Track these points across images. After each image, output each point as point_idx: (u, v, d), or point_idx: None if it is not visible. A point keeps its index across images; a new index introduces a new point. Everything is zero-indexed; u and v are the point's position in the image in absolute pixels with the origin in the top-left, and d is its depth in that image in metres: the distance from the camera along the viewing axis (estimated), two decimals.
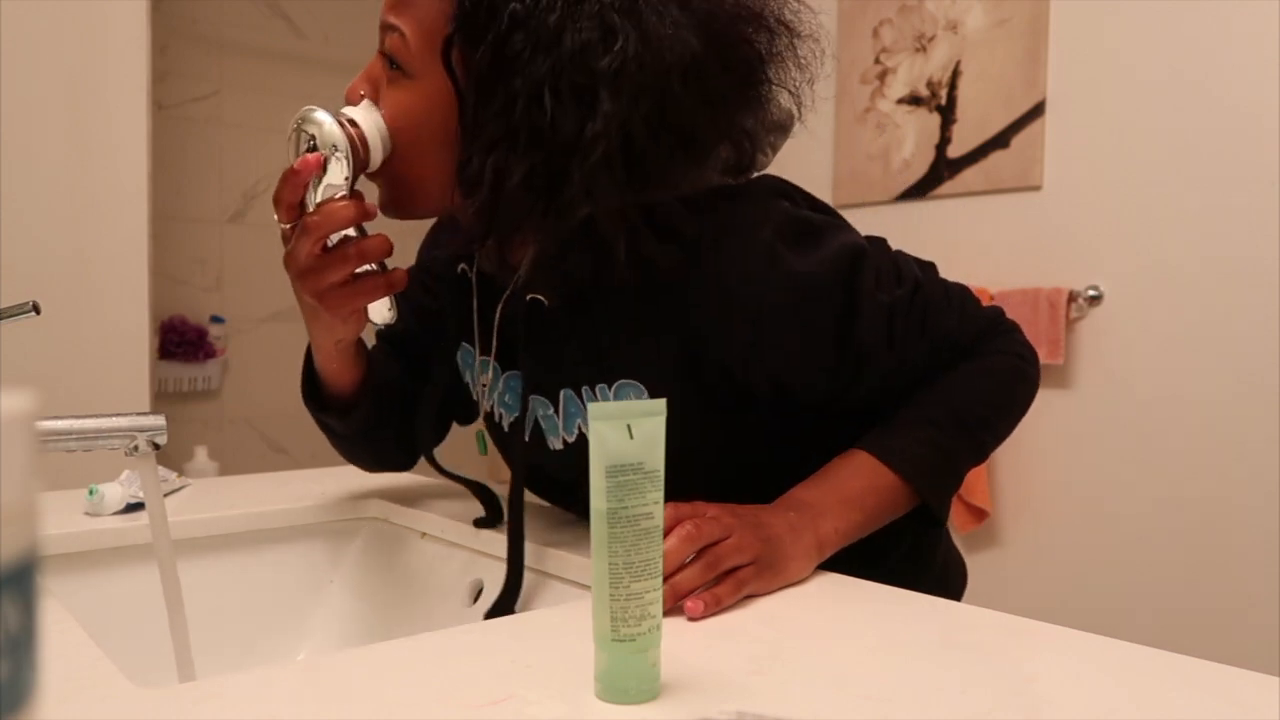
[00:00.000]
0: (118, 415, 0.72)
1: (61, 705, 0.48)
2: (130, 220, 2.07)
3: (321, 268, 0.73)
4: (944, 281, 0.83)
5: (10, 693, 0.20)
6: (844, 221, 0.81)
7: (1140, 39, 1.94)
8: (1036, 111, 2.11)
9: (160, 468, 0.84)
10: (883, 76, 2.40)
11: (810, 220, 0.77)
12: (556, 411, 0.82)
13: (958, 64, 2.25)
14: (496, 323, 0.84)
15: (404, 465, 0.99)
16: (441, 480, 1.15)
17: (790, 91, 0.76)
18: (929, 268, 0.84)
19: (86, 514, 0.92)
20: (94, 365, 2.02)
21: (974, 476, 2.15)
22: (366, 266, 0.75)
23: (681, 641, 0.58)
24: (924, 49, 2.32)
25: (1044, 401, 2.14)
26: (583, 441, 0.82)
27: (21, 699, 0.21)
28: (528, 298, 0.79)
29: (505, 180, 0.69)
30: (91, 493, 0.92)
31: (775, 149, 0.83)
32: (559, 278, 0.76)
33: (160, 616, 0.74)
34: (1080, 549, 2.05)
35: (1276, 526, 1.77)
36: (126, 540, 0.89)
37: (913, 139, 2.34)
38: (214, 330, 2.83)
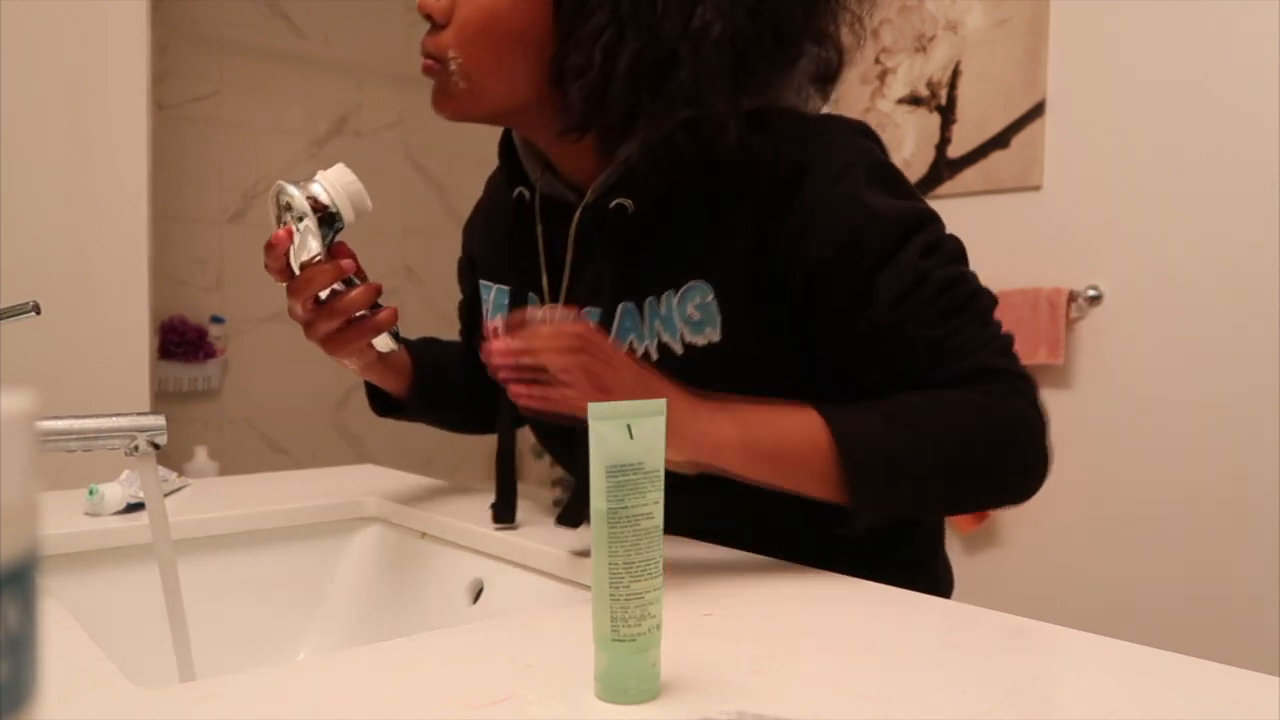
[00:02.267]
0: (118, 415, 0.72)
1: (61, 705, 0.48)
2: (130, 220, 2.07)
3: (315, 321, 0.79)
4: (989, 306, 0.78)
5: (10, 693, 0.20)
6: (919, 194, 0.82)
7: (1140, 39, 1.94)
8: (1036, 111, 2.11)
9: (160, 468, 0.84)
10: (883, 76, 2.40)
11: (896, 172, 0.79)
12: (609, 328, 0.81)
13: (958, 64, 2.25)
14: (572, 237, 0.83)
15: (485, 430, 1.07)
16: (441, 480, 1.15)
17: (853, 10, 0.78)
18: (984, 294, 0.78)
19: (86, 514, 0.92)
20: (94, 365, 2.02)
21: None
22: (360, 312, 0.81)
23: (681, 641, 0.58)
24: (924, 49, 2.32)
25: (1044, 401, 2.14)
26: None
27: (21, 699, 0.21)
28: (611, 204, 0.78)
29: (614, 66, 0.70)
30: (91, 493, 0.92)
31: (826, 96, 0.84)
32: (655, 177, 0.76)
33: (160, 616, 0.74)
34: (1080, 549, 2.05)
35: (1277, 526, 1.77)
36: (126, 540, 0.89)
37: (913, 139, 2.34)
38: (214, 330, 2.83)
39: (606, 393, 0.65)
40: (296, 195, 0.78)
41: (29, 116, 1.94)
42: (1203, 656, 0.56)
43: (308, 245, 0.78)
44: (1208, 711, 0.49)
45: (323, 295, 0.79)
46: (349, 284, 0.80)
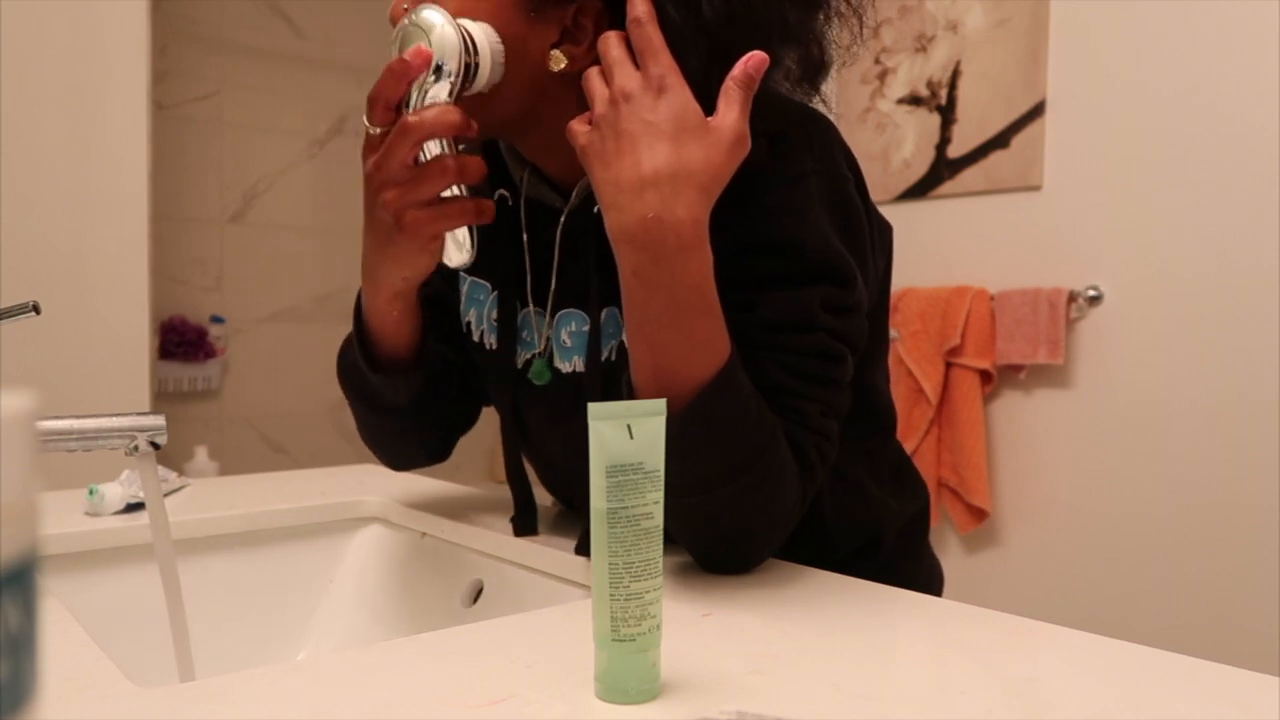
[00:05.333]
0: (118, 415, 0.72)
1: (61, 705, 0.48)
2: (130, 220, 2.07)
3: (412, 181, 0.69)
4: (841, 401, 0.75)
5: (10, 693, 0.20)
6: (869, 254, 0.78)
7: (1140, 39, 1.94)
8: (1036, 111, 2.11)
9: (160, 468, 0.84)
10: (883, 76, 2.40)
11: (855, 206, 0.76)
12: (592, 329, 0.79)
13: (958, 64, 2.25)
14: (558, 242, 0.81)
15: (439, 453, 0.94)
16: (441, 480, 1.15)
17: (853, 6, 0.74)
18: (846, 386, 0.76)
19: (86, 514, 0.92)
20: (94, 365, 2.02)
21: (974, 476, 2.15)
22: (454, 190, 0.71)
23: (681, 641, 0.58)
24: (924, 49, 2.32)
25: (1044, 401, 2.15)
26: (608, 363, 0.78)
27: (21, 699, 0.21)
28: (595, 208, 0.75)
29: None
30: (91, 493, 0.92)
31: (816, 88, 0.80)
32: None
33: (160, 616, 0.74)
34: (1080, 549, 2.05)
35: (1277, 526, 1.77)
36: (126, 540, 0.89)
37: (913, 139, 2.34)
38: (214, 330, 2.83)
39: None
40: (441, 25, 0.67)
41: (29, 116, 1.94)
42: (1203, 656, 0.56)
43: (439, 88, 0.67)
44: (1207, 711, 0.49)
45: (424, 155, 0.69)
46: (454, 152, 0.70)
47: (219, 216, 2.89)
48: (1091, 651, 0.58)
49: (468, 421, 0.95)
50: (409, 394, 0.84)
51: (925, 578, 0.94)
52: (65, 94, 1.99)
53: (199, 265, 2.85)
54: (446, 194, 0.71)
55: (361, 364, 0.82)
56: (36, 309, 0.76)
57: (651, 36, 0.66)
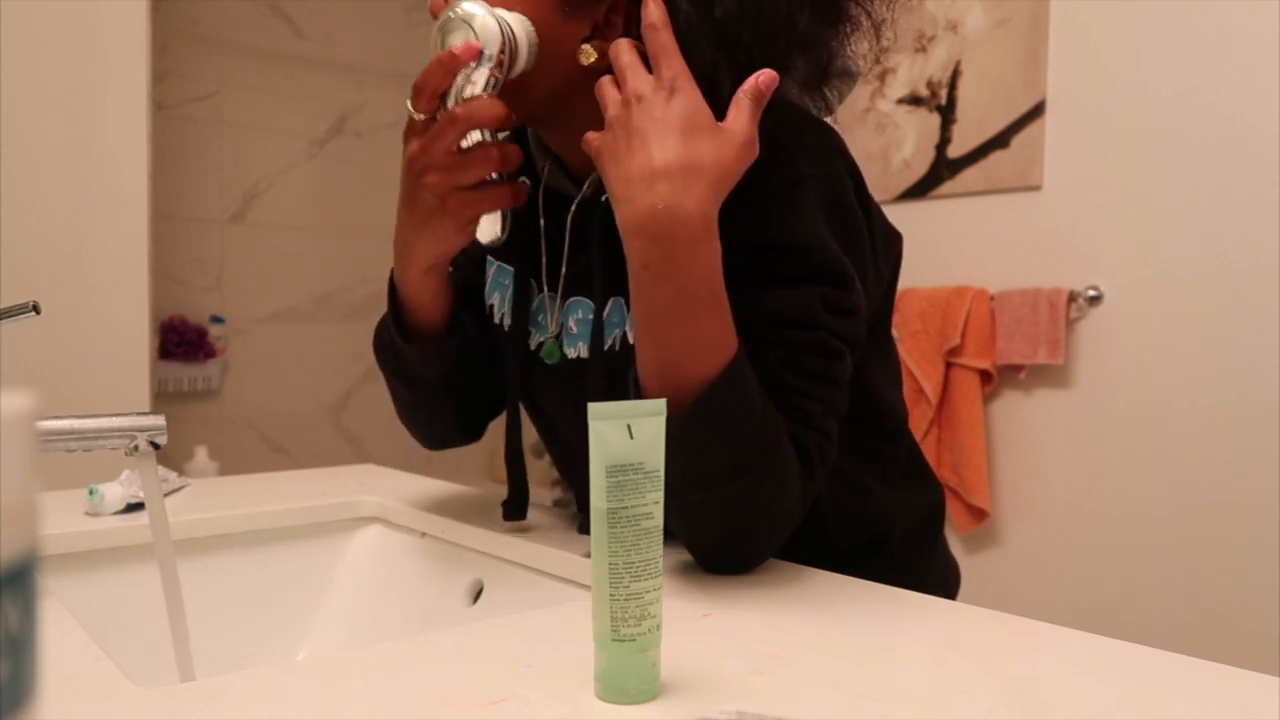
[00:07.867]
0: (118, 415, 0.72)
1: (61, 705, 0.49)
2: (130, 220, 2.07)
3: (456, 166, 0.73)
4: (840, 400, 0.75)
5: (10, 693, 0.20)
6: (868, 258, 0.78)
7: (1140, 39, 1.94)
8: (1036, 111, 2.11)
9: (160, 468, 0.84)
10: (883, 77, 2.39)
11: (853, 212, 0.77)
12: (596, 317, 0.80)
13: (958, 64, 2.25)
14: (569, 229, 0.83)
15: (473, 431, 0.96)
16: (441, 480, 1.15)
17: (871, 16, 0.75)
18: (845, 384, 0.76)
19: (86, 514, 0.92)
20: (94, 365, 2.02)
21: (974, 476, 2.15)
22: (493, 175, 0.75)
23: (681, 641, 0.58)
24: (924, 49, 2.32)
25: (1044, 401, 2.15)
26: (611, 351, 0.80)
27: (21, 699, 0.21)
28: (604, 198, 0.76)
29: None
30: (91, 493, 0.92)
31: (841, 97, 0.81)
32: None
33: (160, 616, 0.74)
34: (1080, 549, 2.05)
35: (1277, 526, 1.77)
36: (126, 540, 0.89)
37: (913, 139, 2.34)
38: (214, 330, 2.83)
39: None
40: (482, 16, 0.70)
41: (29, 116, 1.94)
42: (1203, 656, 0.56)
43: (478, 79, 0.71)
44: (1207, 711, 0.49)
45: (465, 143, 0.73)
46: (492, 138, 0.74)
47: (219, 216, 2.89)
48: (1091, 651, 0.58)
49: (498, 401, 0.96)
50: (441, 365, 0.87)
51: (937, 577, 0.94)
52: (65, 94, 1.99)
53: (199, 265, 2.85)
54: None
55: (397, 338, 0.85)
56: (36, 309, 0.76)
57: (665, 41, 0.68)
